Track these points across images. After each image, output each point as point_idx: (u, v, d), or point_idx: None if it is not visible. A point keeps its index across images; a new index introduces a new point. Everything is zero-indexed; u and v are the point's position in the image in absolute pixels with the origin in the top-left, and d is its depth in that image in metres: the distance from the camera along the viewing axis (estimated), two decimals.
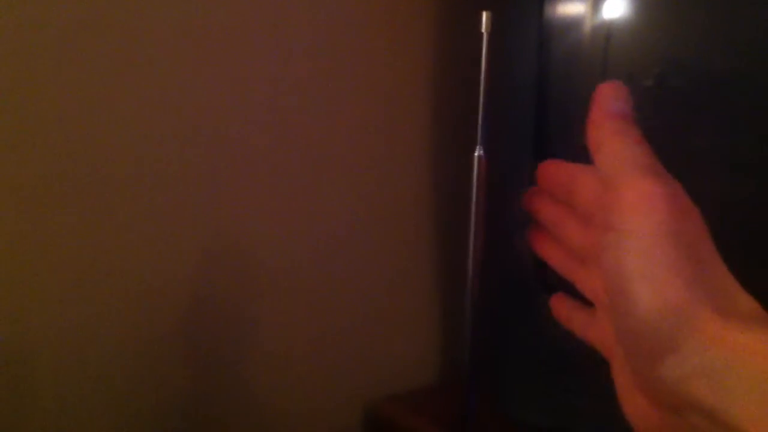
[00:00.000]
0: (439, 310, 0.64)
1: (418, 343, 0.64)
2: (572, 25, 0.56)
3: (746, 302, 0.29)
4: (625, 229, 0.30)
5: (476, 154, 0.38)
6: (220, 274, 0.52)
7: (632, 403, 0.32)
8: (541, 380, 0.56)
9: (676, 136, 0.51)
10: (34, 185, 0.42)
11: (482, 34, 0.38)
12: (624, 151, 0.32)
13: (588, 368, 0.58)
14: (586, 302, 0.40)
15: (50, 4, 0.40)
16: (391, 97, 0.57)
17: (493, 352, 0.57)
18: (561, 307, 0.42)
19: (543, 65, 0.55)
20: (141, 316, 0.48)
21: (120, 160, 0.45)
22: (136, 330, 0.48)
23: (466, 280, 0.43)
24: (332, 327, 0.59)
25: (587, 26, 0.55)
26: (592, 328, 0.38)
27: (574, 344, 0.55)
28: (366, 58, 0.54)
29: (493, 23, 0.38)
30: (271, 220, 0.53)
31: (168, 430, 0.51)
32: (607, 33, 0.55)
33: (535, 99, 0.56)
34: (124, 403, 0.49)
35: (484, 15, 0.37)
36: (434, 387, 0.65)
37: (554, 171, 0.40)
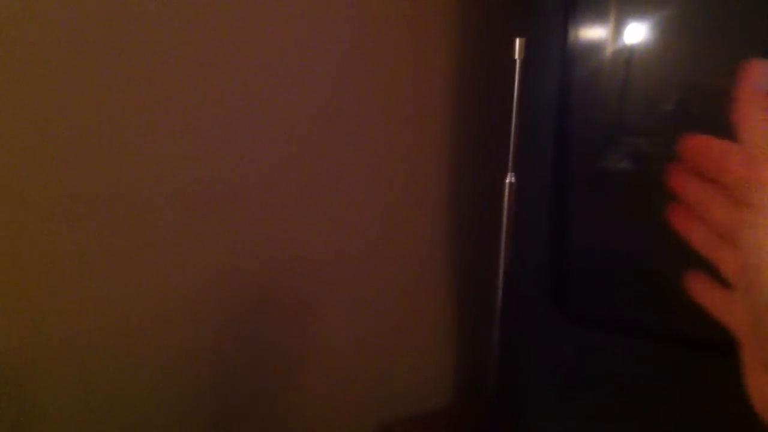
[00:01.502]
0: (454, 332, 0.64)
1: (432, 363, 0.64)
2: (594, 49, 0.56)
3: None
4: (763, 206, 0.30)
5: (508, 180, 0.38)
6: (239, 291, 0.51)
7: (758, 386, 0.32)
8: (561, 402, 0.55)
9: None
10: (55, 198, 0.42)
11: (515, 60, 0.38)
12: None
13: (607, 389, 0.58)
14: (724, 283, 0.38)
15: (87, 29, 0.40)
16: (412, 115, 0.57)
17: (513, 373, 0.57)
18: (699, 285, 0.41)
19: (566, 88, 0.56)
20: (157, 333, 0.48)
21: (142, 174, 0.44)
22: (151, 346, 0.47)
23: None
24: (348, 347, 0.58)
25: (609, 51, 0.56)
26: (729, 309, 0.37)
27: (592, 366, 0.55)
28: (390, 75, 0.54)
29: (528, 48, 0.38)
30: (293, 242, 0.53)
31: None
32: (628, 58, 0.56)
33: (557, 120, 0.56)
34: (137, 419, 0.48)
35: (518, 42, 0.37)
36: (449, 407, 0.65)
37: (706, 146, 0.38)
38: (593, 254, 0.59)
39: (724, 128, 0.53)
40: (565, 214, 0.57)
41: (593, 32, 0.56)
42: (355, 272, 0.57)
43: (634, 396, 0.53)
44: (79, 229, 0.44)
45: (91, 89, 0.42)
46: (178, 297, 0.49)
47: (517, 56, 0.37)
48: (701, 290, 0.41)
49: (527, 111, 0.53)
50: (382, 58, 0.54)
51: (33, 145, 0.42)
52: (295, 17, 0.49)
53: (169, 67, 0.45)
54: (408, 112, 0.57)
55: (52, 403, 0.45)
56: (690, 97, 0.56)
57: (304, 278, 0.55)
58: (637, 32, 0.54)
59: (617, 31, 0.56)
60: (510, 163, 0.38)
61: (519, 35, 0.38)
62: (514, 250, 0.40)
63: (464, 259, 0.63)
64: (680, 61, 0.56)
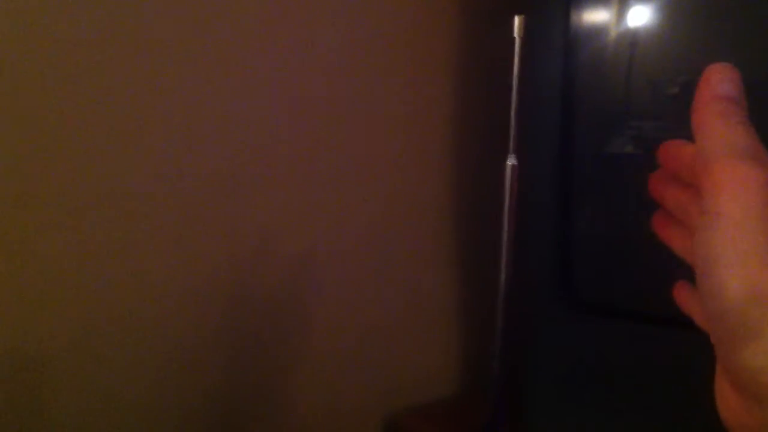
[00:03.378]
0: (461, 322, 0.63)
1: (438, 353, 0.64)
2: (598, 31, 0.55)
3: None
4: (715, 211, 0.30)
5: (509, 163, 0.37)
6: (242, 285, 0.51)
7: (720, 392, 0.32)
8: (566, 393, 0.55)
9: None
10: (54, 195, 0.42)
11: (514, 38, 0.37)
12: (725, 133, 0.31)
13: (613, 385, 0.57)
14: None
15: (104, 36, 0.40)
16: (414, 112, 0.56)
17: (520, 366, 0.56)
18: (683, 294, 0.41)
19: (569, 70, 0.55)
20: (159, 328, 0.47)
21: (148, 168, 0.44)
22: (154, 341, 0.47)
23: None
24: (353, 338, 0.58)
25: (612, 33, 0.55)
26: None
27: (599, 357, 0.54)
28: (392, 67, 0.54)
29: (527, 26, 0.37)
30: (297, 235, 0.52)
31: None
32: (633, 40, 0.54)
33: (561, 103, 0.55)
34: (143, 410, 0.48)
35: (516, 19, 0.36)
36: (454, 398, 0.64)
37: (678, 152, 0.38)
38: (600, 241, 0.58)
39: None
40: (570, 200, 0.56)
41: (597, 11, 0.55)
42: (358, 263, 0.57)
43: (642, 387, 0.52)
44: (80, 224, 0.44)
45: (90, 84, 0.42)
46: (180, 291, 0.49)
47: (516, 34, 0.36)
48: (685, 298, 0.41)
49: (530, 92, 0.52)
50: (384, 39, 0.53)
51: (31, 140, 0.42)
52: (296, 9, 0.49)
53: (168, 63, 0.45)
54: (411, 98, 0.56)
55: (58, 395, 0.45)
56: (695, 80, 0.55)
57: (307, 270, 0.54)
58: (642, 13, 0.53)
59: (622, 11, 0.55)
60: (511, 145, 0.37)
61: (519, 13, 0.37)
62: (518, 236, 0.39)
63: (469, 248, 0.62)
64: (686, 43, 0.55)
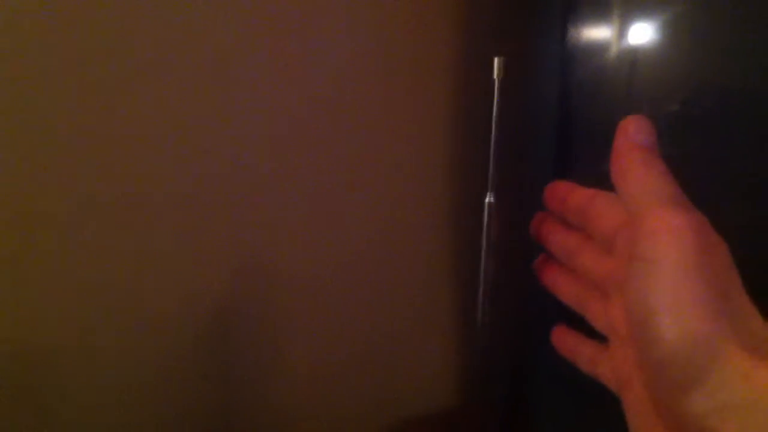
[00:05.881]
0: (461, 331, 0.64)
1: (436, 362, 0.64)
2: (596, 50, 0.55)
3: None
4: (651, 259, 0.30)
5: (487, 200, 0.38)
6: (242, 290, 0.52)
7: None
8: (571, 405, 0.55)
9: (701, 161, 0.50)
10: (59, 197, 0.44)
11: (494, 80, 0.38)
12: (649, 181, 0.32)
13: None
14: (592, 336, 0.39)
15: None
16: (412, 121, 0.56)
17: (521, 373, 0.57)
18: (564, 341, 0.41)
19: (566, 89, 0.55)
20: (161, 329, 0.50)
21: (143, 174, 0.46)
22: (155, 342, 0.50)
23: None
24: (350, 345, 0.59)
25: (612, 51, 0.54)
26: (602, 363, 0.37)
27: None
28: (393, 77, 0.53)
29: (507, 67, 0.37)
30: (294, 239, 0.53)
31: None
32: (633, 58, 0.54)
33: (558, 122, 0.55)
34: (142, 415, 0.50)
35: (496, 61, 0.37)
36: (453, 409, 0.65)
37: (568, 193, 0.39)
38: None
39: (730, 127, 0.52)
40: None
41: (596, 29, 0.55)
42: (358, 272, 0.58)
43: None
44: (85, 228, 0.46)
45: (95, 87, 0.44)
46: (183, 295, 0.50)
47: (495, 75, 0.37)
48: (568, 346, 0.40)
49: (529, 110, 0.52)
50: (387, 60, 0.53)
51: (38, 143, 0.43)
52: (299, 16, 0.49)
53: (171, 66, 0.46)
54: (412, 113, 0.56)
55: (66, 392, 0.47)
56: (694, 98, 0.54)
57: (308, 279, 0.55)
58: (639, 32, 0.53)
59: (621, 28, 0.54)
60: (490, 182, 0.38)
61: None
62: (498, 269, 0.40)
63: (472, 256, 0.63)
64: (684, 61, 0.55)
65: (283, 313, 0.55)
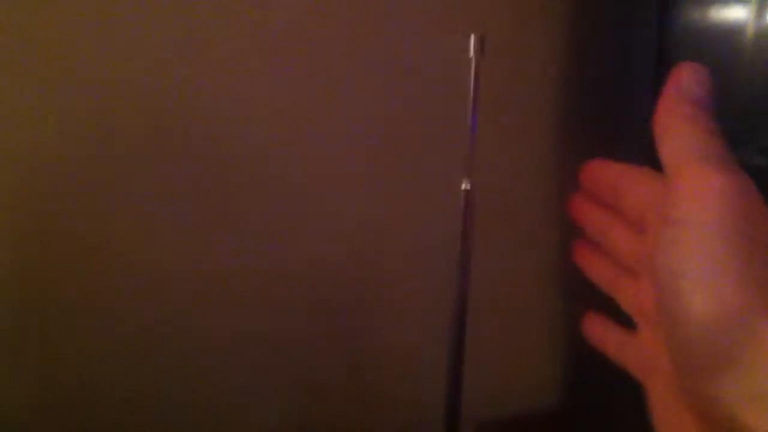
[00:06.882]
0: (566, 324, 0.58)
1: (539, 360, 0.60)
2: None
3: None
4: (685, 222, 0.27)
5: (463, 187, 0.36)
6: (322, 288, 0.52)
7: (672, 423, 0.30)
8: None
9: None
10: (145, 192, 0.45)
11: (470, 59, 0.35)
12: (692, 138, 0.29)
13: None
14: (622, 322, 0.37)
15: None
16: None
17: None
18: (595, 327, 0.39)
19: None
20: (244, 325, 0.50)
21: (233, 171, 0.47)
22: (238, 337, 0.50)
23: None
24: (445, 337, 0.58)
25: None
26: (630, 349, 0.36)
27: None
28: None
29: (483, 45, 0.34)
30: (382, 235, 0.52)
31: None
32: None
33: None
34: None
35: (473, 38, 0.35)
36: (555, 412, 0.60)
37: (599, 171, 0.37)
38: None
39: None
40: None
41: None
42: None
43: None
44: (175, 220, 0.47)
45: (173, 88, 0.44)
46: (267, 290, 0.50)
47: (472, 54, 0.35)
48: (597, 332, 0.38)
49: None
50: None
51: (118, 140, 0.44)
52: None
53: (260, 65, 0.46)
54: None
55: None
56: None
57: (395, 272, 0.56)
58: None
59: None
60: (466, 168, 0.36)
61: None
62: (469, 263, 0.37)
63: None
64: None
65: (375, 309, 0.56)
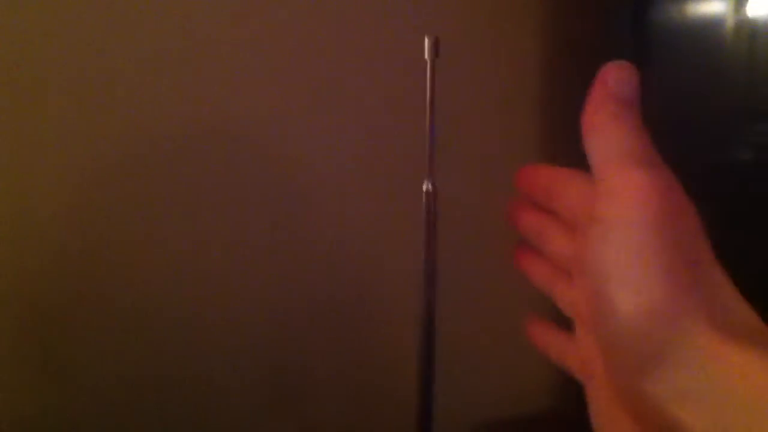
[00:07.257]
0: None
1: (532, 364, 0.59)
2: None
3: (745, 314, 0.26)
4: (608, 220, 0.28)
5: (425, 188, 0.36)
6: (345, 277, 0.54)
7: (610, 421, 0.29)
8: None
9: None
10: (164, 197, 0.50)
11: (426, 61, 0.36)
12: (619, 137, 0.29)
13: None
14: (563, 325, 0.37)
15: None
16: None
17: None
18: (537, 331, 0.39)
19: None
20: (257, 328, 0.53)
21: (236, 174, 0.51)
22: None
23: None
24: (444, 340, 0.59)
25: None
26: (571, 352, 0.35)
27: None
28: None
29: (438, 47, 0.35)
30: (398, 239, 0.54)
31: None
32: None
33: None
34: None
35: (426, 40, 0.35)
36: (548, 415, 0.59)
37: (533, 175, 0.38)
38: None
39: None
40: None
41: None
42: (454, 267, 0.58)
43: None
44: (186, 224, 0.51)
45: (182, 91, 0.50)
46: (291, 284, 0.53)
47: (427, 56, 0.35)
48: (539, 337, 0.36)
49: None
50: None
51: (139, 144, 0.48)
52: None
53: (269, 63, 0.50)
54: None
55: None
56: None
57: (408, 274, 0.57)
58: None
59: None
60: (427, 169, 0.36)
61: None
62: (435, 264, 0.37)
63: None
64: None
65: (378, 312, 0.57)
